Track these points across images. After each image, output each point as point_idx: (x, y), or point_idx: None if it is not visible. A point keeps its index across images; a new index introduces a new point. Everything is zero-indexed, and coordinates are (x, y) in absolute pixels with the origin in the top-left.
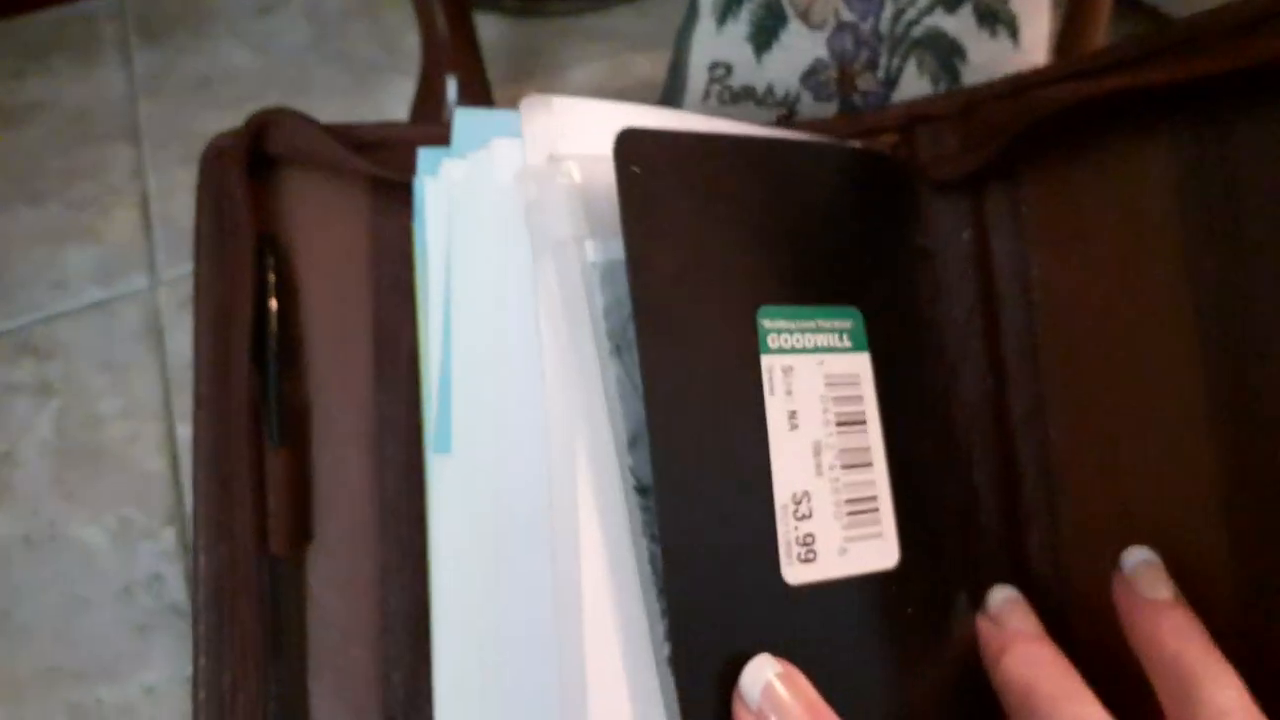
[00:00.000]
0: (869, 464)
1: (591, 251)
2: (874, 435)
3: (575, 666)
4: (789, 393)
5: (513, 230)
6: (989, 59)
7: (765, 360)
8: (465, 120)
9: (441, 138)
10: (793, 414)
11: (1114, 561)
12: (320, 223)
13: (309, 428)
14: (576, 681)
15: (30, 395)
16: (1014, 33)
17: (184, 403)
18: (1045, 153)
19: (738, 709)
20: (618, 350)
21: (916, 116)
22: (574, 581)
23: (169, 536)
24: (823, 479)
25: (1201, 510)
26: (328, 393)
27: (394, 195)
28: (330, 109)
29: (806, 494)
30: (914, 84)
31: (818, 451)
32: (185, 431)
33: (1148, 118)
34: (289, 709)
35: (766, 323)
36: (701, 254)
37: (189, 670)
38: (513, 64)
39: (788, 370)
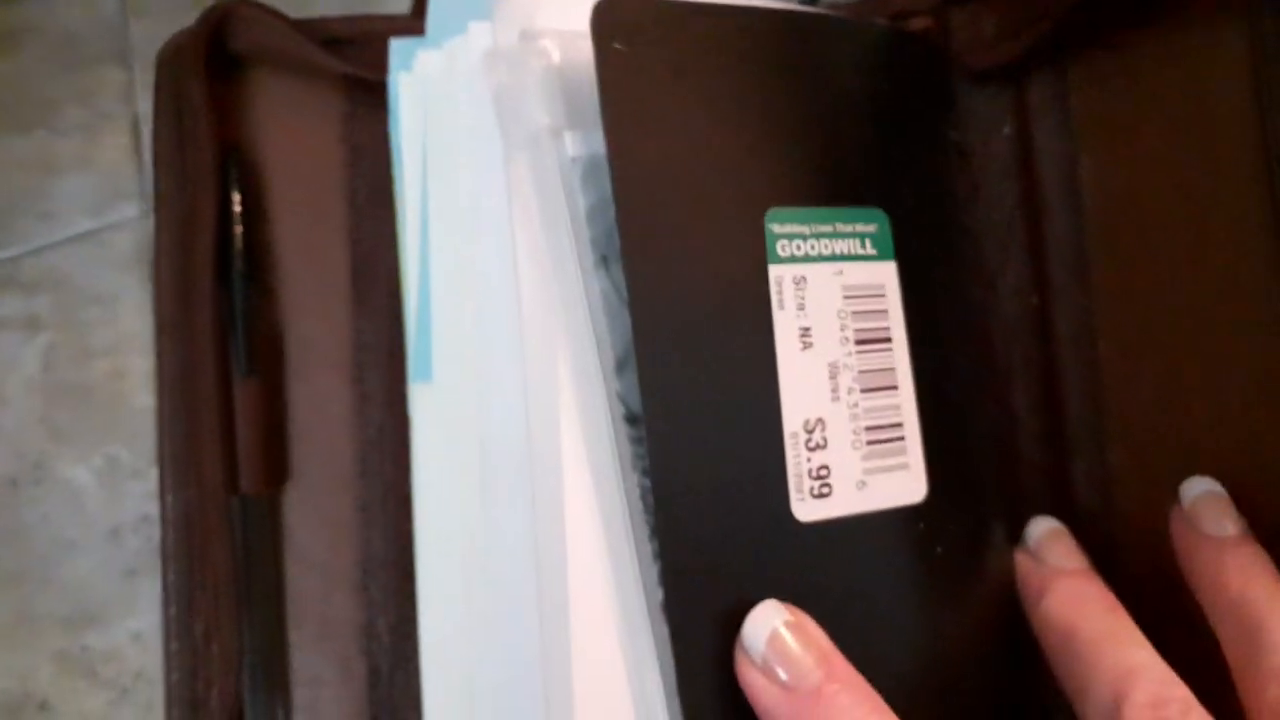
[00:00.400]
0: (894, 387)
1: (571, 145)
2: (900, 355)
3: (559, 615)
4: (801, 307)
5: (491, 128)
6: None
7: (773, 270)
8: (440, 5)
9: (415, 30)
10: (805, 331)
11: (1172, 493)
12: (290, 129)
13: (282, 356)
14: (560, 630)
15: (17, 330)
16: None
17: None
18: (1096, 36)
19: (740, 662)
20: (603, 260)
21: None
22: (557, 521)
23: (156, 476)
24: (839, 404)
25: (1276, 437)
26: (302, 318)
27: (372, 97)
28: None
29: (820, 421)
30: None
31: (834, 373)
32: None
33: None
34: (268, 660)
35: (775, 227)
36: (698, 145)
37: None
38: None
39: (800, 281)
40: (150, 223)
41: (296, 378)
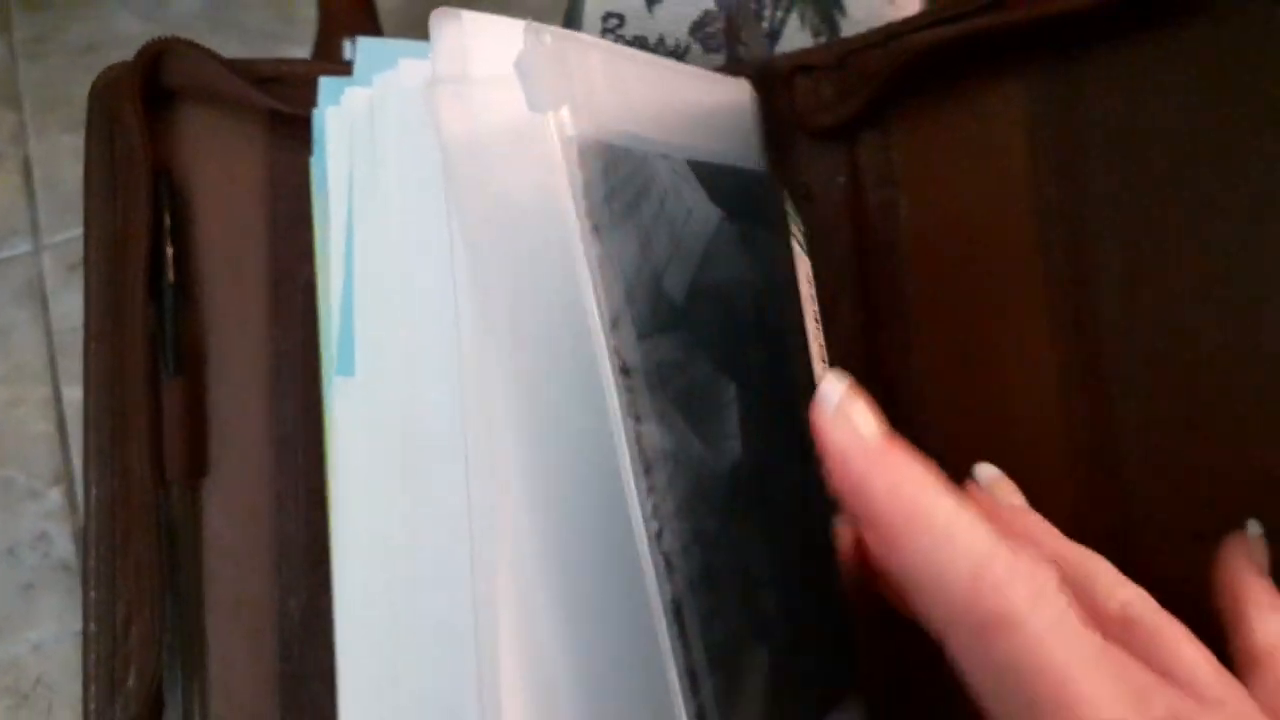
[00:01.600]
0: None
1: (570, 124)
2: None
3: (490, 599)
4: None
5: (421, 142)
6: (866, 13)
7: None
8: (369, 48)
9: (341, 72)
10: None
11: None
12: (216, 157)
13: (204, 361)
14: (490, 613)
15: None
16: None
17: (69, 366)
18: (911, 99)
19: (817, 413)
20: (596, 229)
21: (796, 67)
22: (491, 509)
23: (55, 496)
24: None
25: (1041, 409)
26: (223, 327)
27: (291, 131)
28: None
29: None
30: (796, 36)
31: None
32: (71, 394)
33: (1004, 60)
34: (185, 640)
35: None
36: None
37: (77, 626)
38: (408, 31)
39: None
40: (43, 258)
41: (217, 381)
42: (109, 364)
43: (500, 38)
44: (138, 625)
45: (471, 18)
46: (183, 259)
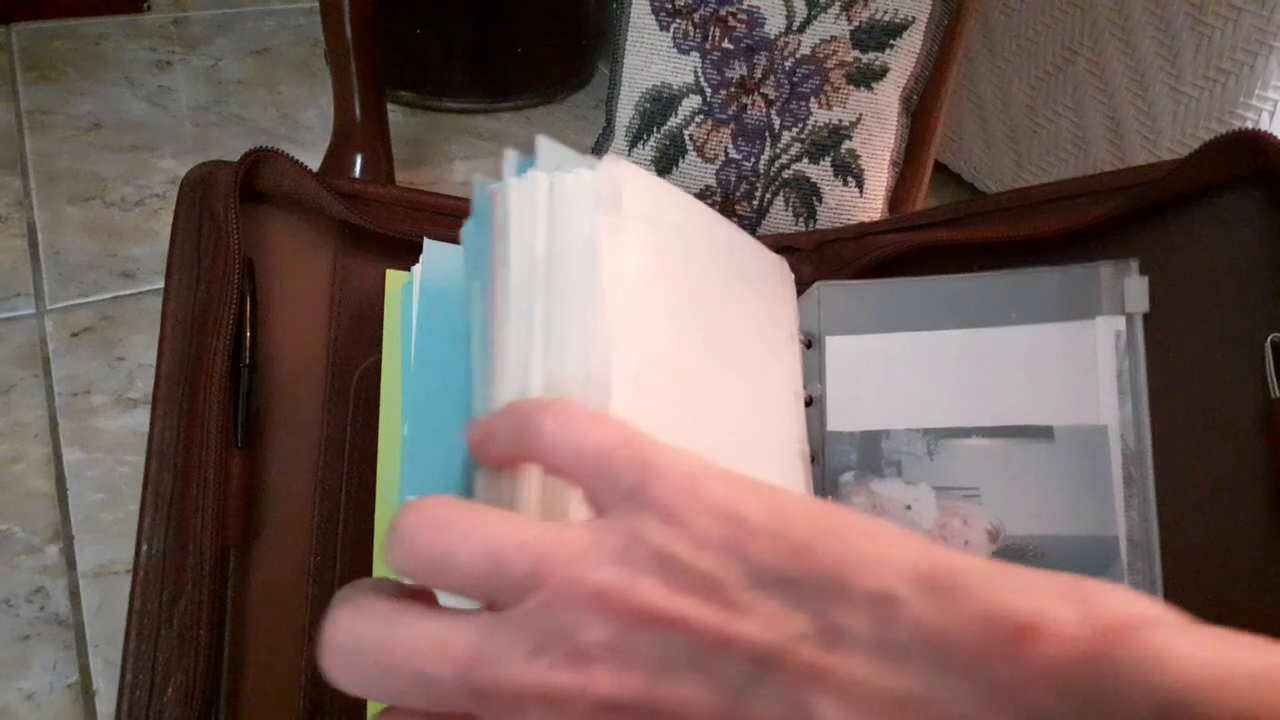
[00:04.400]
0: None
1: None
2: None
3: None
4: None
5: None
6: (840, 203)
7: None
8: (548, 148)
9: (415, 203)
10: None
11: None
12: (291, 255)
13: (263, 435)
14: None
15: None
16: (860, 184)
17: (70, 427)
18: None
19: None
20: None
21: (783, 245)
22: None
23: (52, 553)
24: None
25: None
26: (282, 407)
27: (357, 241)
28: None
29: None
30: (780, 215)
31: None
32: (71, 455)
33: (952, 262)
34: (216, 694)
35: None
36: None
37: (70, 678)
38: (405, 151)
39: None
40: (45, 322)
41: (272, 453)
42: (178, 431)
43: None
44: (176, 680)
45: (630, 168)
46: (257, 338)
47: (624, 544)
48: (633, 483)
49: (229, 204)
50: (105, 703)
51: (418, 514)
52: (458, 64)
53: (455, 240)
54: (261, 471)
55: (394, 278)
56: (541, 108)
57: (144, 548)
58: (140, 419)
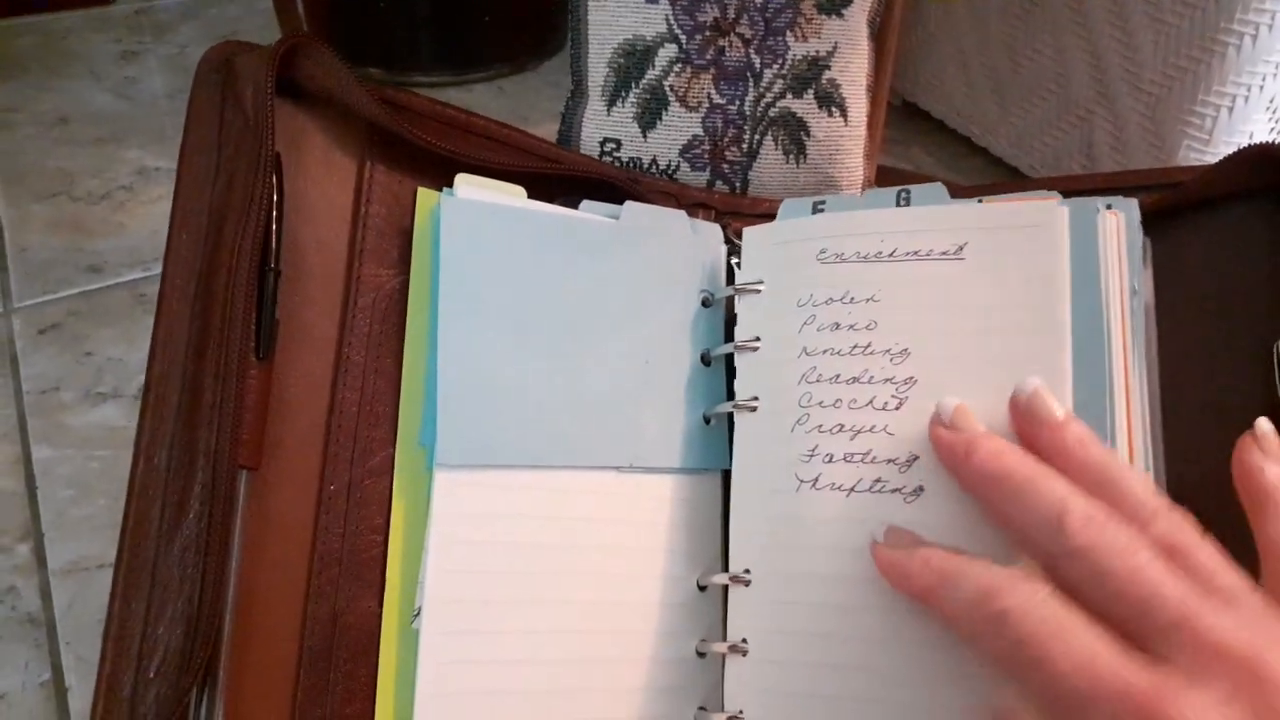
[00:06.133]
0: None
1: None
2: None
3: None
4: None
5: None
6: (828, 135)
7: None
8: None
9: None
10: None
11: None
12: (316, 156)
13: (280, 350)
14: None
15: None
16: (845, 113)
17: (38, 425)
18: None
19: (934, 423)
20: None
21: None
22: None
23: (23, 552)
24: None
25: None
26: (300, 320)
27: (387, 151)
28: None
29: None
30: (770, 156)
31: None
32: (40, 453)
33: None
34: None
35: None
36: None
37: (43, 676)
38: None
39: None
40: (13, 321)
41: (287, 369)
42: (190, 336)
43: None
44: (174, 608)
45: None
46: (280, 243)
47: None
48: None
49: (262, 90)
50: (78, 699)
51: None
52: (424, 38)
53: (486, 160)
54: (277, 386)
55: (425, 196)
56: (514, 77)
57: (141, 463)
58: (110, 414)
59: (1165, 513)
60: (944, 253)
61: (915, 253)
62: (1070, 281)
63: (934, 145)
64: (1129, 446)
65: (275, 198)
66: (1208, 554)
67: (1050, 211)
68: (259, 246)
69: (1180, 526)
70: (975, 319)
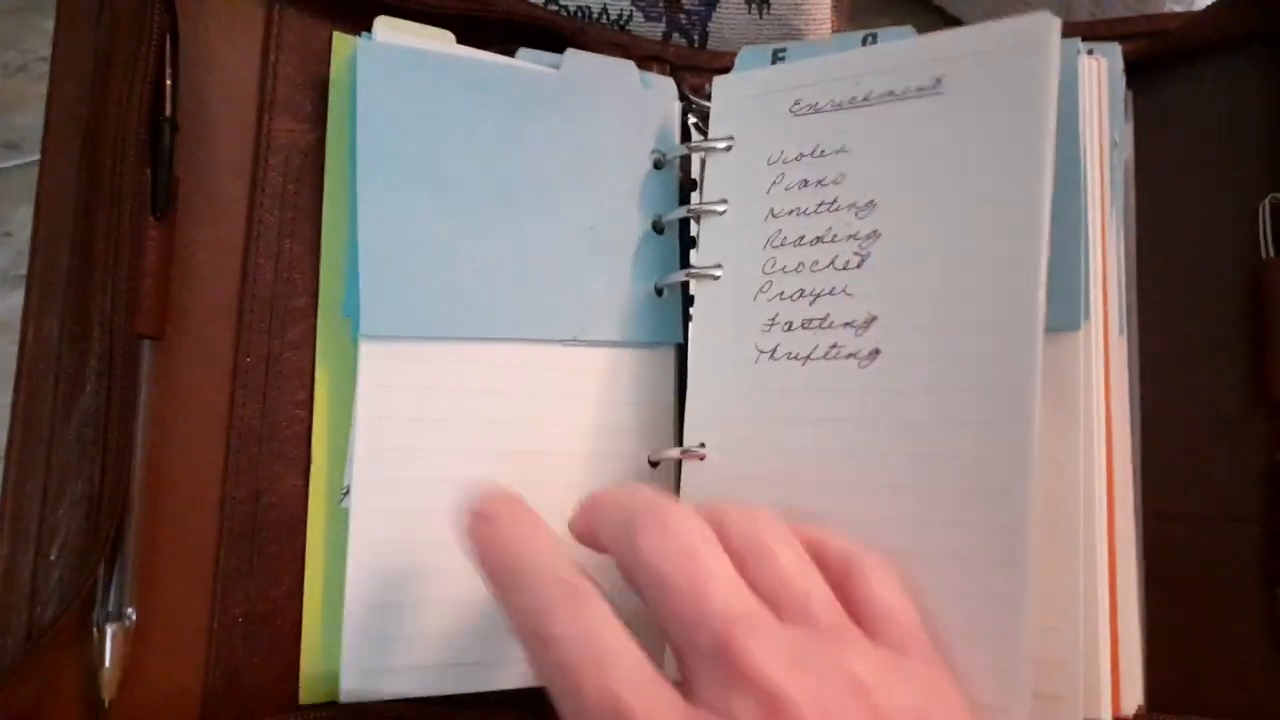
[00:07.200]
0: None
1: None
2: None
3: None
4: None
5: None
6: None
7: None
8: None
9: None
10: None
11: None
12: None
13: (182, 206)
14: None
15: None
16: None
17: None
18: None
19: None
20: None
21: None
22: None
23: None
24: None
25: None
26: (202, 174)
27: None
28: None
29: None
30: (732, 3)
31: None
32: None
33: None
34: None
35: None
36: None
37: None
38: None
39: None
40: None
41: (191, 232)
42: (77, 194)
43: None
44: (74, 489)
45: None
46: (177, 91)
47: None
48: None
49: None
50: None
51: (681, 536)
52: None
53: (408, 3)
54: (180, 251)
55: (342, 41)
56: None
57: (30, 332)
58: None
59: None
60: (920, 89)
61: (890, 93)
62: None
63: (903, 15)
64: (1104, 311)
65: (169, 39)
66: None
67: (1042, 26)
68: (149, 94)
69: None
70: (948, 160)
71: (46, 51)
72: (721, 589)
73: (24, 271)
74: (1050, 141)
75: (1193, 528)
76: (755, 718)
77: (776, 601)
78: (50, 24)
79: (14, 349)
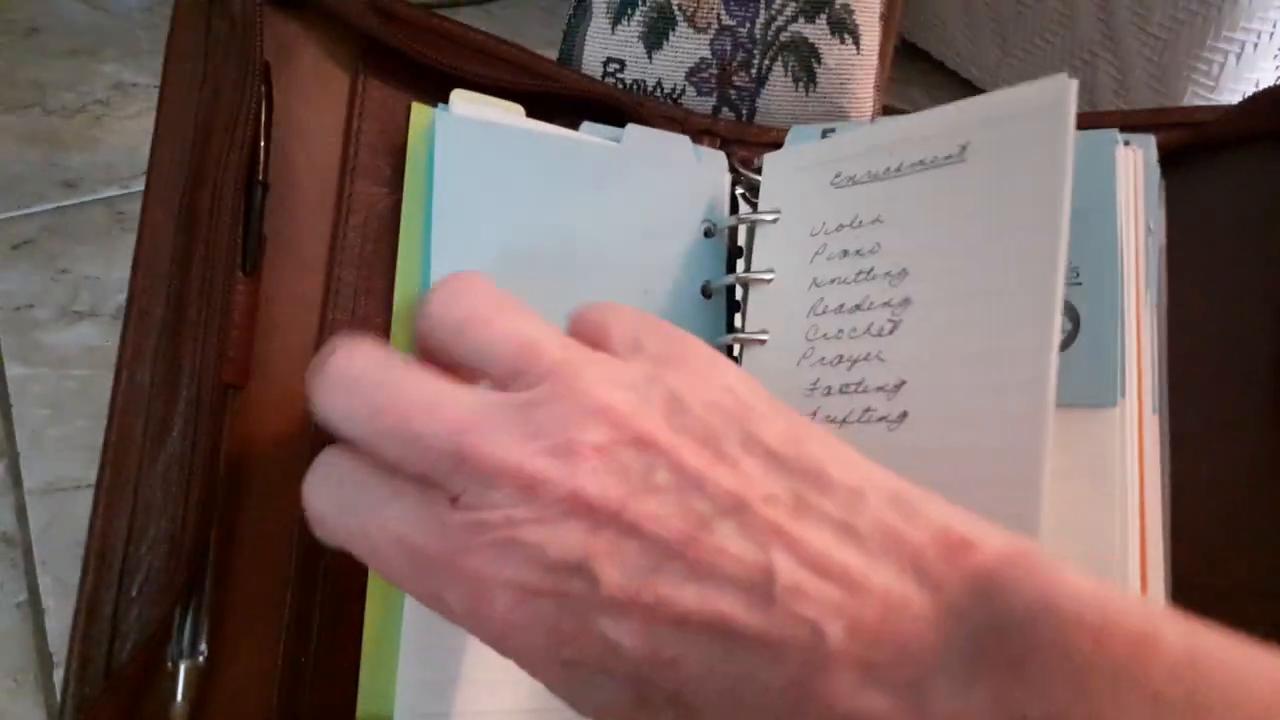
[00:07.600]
0: None
1: None
2: None
3: None
4: None
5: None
6: (839, 63)
7: None
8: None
9: (444, 31)
10: None
11: None
12: (307, 67)
13: (269, 263)
14: None
15: None
16: (857, 41)
17: (12, 343)
18: None
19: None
20: None
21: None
22: None
23: None
24: None
25: None
26: (287, 235)
27: (381, 63)
28: None
29: None
30: (780, 82)
31: None
32: (15, 371)
33: None
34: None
35: None
36: None
37: (19, 597)
38: None
39: None
40: None
41: (275, 286)
42: (175, 249)
43: None
44: (158, 526)
45: None
46: (269, 156)
47: (645, 378)
48: (664, 351)
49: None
50: (55, 620)
51: (467, 282)
52: None
53: (484, 76)
54: (262, 303)
55: (420, 112)
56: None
57: (124, 378)
58: (87, 333)
59: None
60: (948, 156)
61: (920, 163)
62: (1076, 202)
63: (933, 86)
64: (1139, 387)
65: (264, 109)
66: None
67: (1058, 88)
68: (246, 159)
69: None
70: (969, 224)
71: (103, 94)
72: (427, 410)
73: (81, 308)
74: (1066, 201)
75: (1223, 605)
76: (515, 503)
77: (501, 367)
78: (107, 68)
79: (70, 383)
